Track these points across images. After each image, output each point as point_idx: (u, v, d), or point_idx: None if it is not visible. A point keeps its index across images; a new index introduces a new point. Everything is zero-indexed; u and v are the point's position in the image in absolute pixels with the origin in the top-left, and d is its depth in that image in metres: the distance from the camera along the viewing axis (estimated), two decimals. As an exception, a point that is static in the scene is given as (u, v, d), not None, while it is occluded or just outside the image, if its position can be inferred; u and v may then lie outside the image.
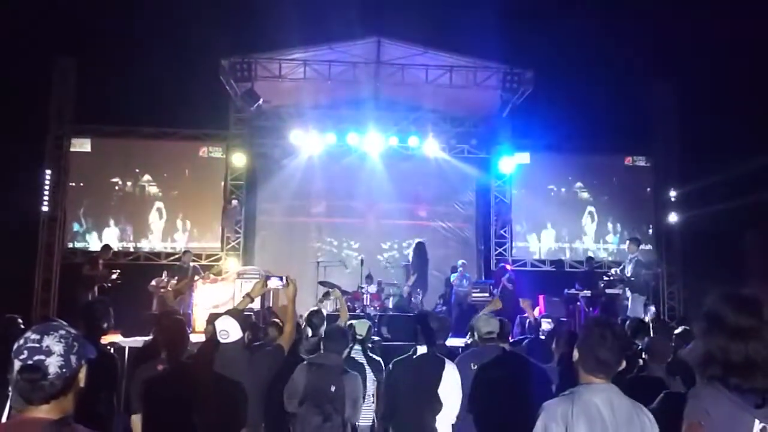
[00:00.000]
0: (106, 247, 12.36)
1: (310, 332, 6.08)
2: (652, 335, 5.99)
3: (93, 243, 13.99)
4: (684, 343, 5.74)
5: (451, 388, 4.43)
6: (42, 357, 1.99)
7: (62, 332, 2.06)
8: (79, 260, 12.85)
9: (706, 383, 2.41)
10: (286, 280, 4.33)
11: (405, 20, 13.08)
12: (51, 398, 2.01)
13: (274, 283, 4.39)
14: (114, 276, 11.45)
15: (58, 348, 2.02)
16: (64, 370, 2.01)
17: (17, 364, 1.98)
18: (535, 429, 2.58)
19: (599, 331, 2.65)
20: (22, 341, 2.01)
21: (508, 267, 13.59)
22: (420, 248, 13.00)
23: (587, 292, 11.78)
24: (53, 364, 2.00)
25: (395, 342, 9.15)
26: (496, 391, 4.33)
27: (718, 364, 2.38)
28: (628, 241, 12.04)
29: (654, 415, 2.58)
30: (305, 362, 4.62)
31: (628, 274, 11.12)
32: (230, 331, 3.81)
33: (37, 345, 2.00)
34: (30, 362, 1.98)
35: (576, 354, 2.72)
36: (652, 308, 11.42)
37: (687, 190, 14.31)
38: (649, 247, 14.76)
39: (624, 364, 2.68)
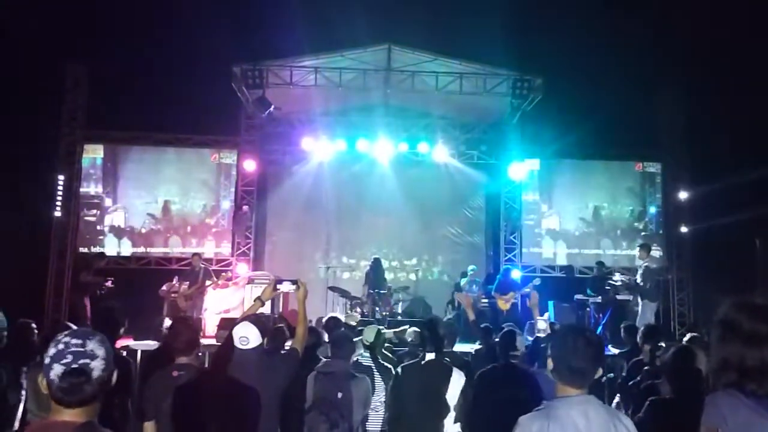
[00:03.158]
0: (101, 255, 12.35)
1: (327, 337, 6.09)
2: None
3: (106, 248, 14.11)
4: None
5: (455, 391, 4.46)
6: (87, 360, 2.05)
7: (99, 337, 2.13)
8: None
9: (723, 390, 2.43)
10: (297, 283, 4.36)
11: (415, 28, 13.15)
12: (88, 402, 2.07)
13: (285, 286, 4.42)
14: (108, 283, 11.47)
15: (101, 352, 2.08)
16: (104, 373, 2.08)
17: (59, 368, 2.02)
18: None
19: (572, 339, 2.60)
20: (62, 346, 2.05)
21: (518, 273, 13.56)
22: (376, 264, 12.92)
23: (597, 298, 11.76)
24: (97, 368, 2.06)
25: (403, 348, 9.13)
26: (494, 402, 4.34)
27: (734, 370, 2.40)
28: (638, 248, 12.00)
29: (642, 424, 2.56)
30: (314, 371, 4.66)
31: (639, 281, 11.08)
32: (251, 337, 3.83)
33: (82, 349, 2.05)
34: (75, 366, 2.03)
35: (550, 363, 2.67)
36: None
37: (697, 196, 14.26)
38: (659, 253, 14.72)
39: (600, 371, 2.63)
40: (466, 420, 4.45)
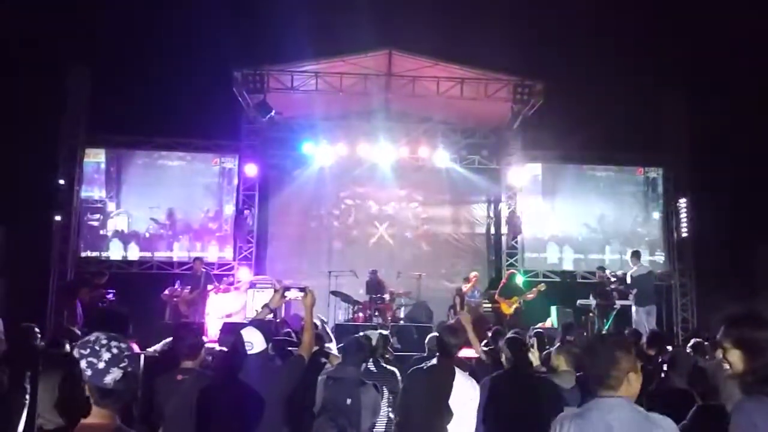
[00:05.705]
0: (101, 273, 11.98)
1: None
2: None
3: (110, 252, 14.17)
4: (699, 356, 5.73)
5: (464, 398, 4.44)
6: (134, 364, 2.19)
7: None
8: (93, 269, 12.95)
9: (751, 396, 2.37)
10: (305, 290, 4.35)
11: (416, 33, 13.18)
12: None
13: (293, 293, 4.41)
14: (109, 296, 11.37)
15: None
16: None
17: (118, 372, 2.10)
18: None
19: (592, 345, 2.68)
20: (116, 350, 2.13)
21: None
22: (374, 275, 12.93)
23: (599, 303, 11.79)
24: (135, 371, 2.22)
25: (405, 352, 9.11)
26: (508, 407, 4.34)
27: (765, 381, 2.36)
28: (630, 254, 12.13)
29: (687, 430, 2.52)
30: (325, 376, 4.66)
31: (629, 287, 11.32)
32: (255, 342, 3.84)
33: (129, 353, 2.17)
34: (130, 369, 2.14)
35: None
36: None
37: (699, 200, 14.26)
38: (662, 258, 14.72)
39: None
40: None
